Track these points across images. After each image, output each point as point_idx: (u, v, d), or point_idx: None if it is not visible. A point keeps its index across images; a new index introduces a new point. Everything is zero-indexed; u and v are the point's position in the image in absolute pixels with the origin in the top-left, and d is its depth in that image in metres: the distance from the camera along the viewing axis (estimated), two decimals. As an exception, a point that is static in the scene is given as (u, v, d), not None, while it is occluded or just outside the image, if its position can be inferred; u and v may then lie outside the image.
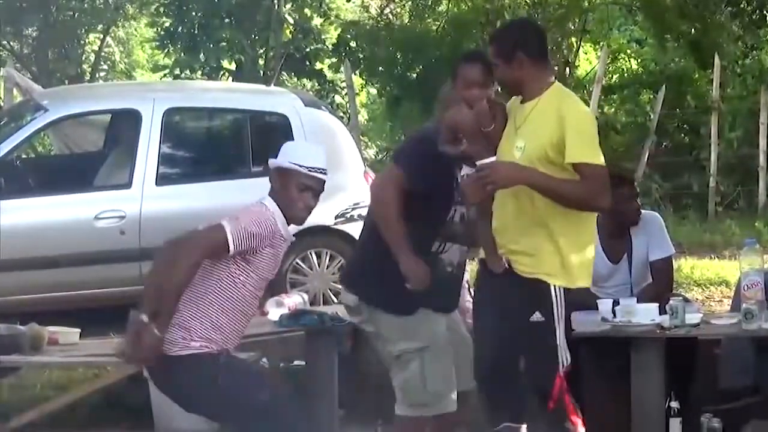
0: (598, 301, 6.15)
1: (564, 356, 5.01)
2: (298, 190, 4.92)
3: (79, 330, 6.99)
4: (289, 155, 4.99)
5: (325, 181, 4.97)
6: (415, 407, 5.21)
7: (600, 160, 4.87)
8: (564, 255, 4.94)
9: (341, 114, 17.17)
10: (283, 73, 18.88)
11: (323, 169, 4.95)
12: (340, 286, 6.46)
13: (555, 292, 4.95)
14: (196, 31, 18.06)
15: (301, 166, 4.92)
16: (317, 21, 19.63)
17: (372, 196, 5.36)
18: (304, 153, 5.01)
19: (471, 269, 7.66)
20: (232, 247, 4.76)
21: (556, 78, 5.16)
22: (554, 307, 4.95)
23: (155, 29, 19.51)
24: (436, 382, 5.18)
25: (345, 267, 5.59)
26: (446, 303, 5.31)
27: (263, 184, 5.89)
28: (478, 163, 4.94)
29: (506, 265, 5.00)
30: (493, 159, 4.96)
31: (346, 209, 8.85)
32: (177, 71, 18.15)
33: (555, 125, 4.86)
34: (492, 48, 5.05)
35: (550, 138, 4.84)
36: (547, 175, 4.89)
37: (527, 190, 4.87)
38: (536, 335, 5.01)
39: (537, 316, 4.99)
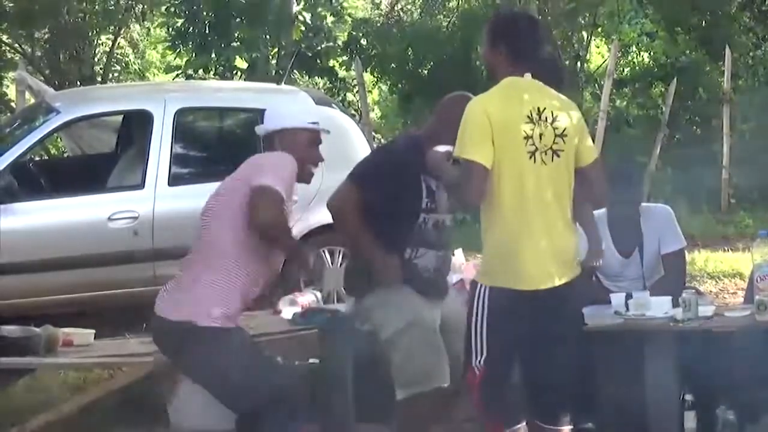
0: (610, 295, 6.15)
1: (476, 357, 4.83)
2: (308, 145, 5.16)
3: (93, 331, 7.00)
4: (285, 117, 5.25)
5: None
6: (410, 386, 5.28)
7: (464, 153, 4.69)
8: (485, 254, 4.90)
9: (353, 111, 17.16)
10: (294, 71, 18.85)
11: (317, 122, 5.27)
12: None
13: (478, 290, 4.85)
14: (207, 31, 18.06)
15: (304, 122, 5.21)
16: (330, 19, 19.61)
17: (332, 215, 5.49)
18: (298, 111, 5.38)
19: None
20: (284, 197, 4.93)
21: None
22: (474, 303, 4.84)
23: (167, 29, 19.52)
24: (425, 358, 5.26)
25: (344, 277, 5.77)
26: (428, 292, 5.46)
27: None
28: None
29: None
30: (443, 148, 5.03)
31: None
32: (190, 71, 18.15)
33: None
34: (487, 25, 5.05)
35: None
36: (445, 170, 4.98)
37: None
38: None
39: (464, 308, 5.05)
